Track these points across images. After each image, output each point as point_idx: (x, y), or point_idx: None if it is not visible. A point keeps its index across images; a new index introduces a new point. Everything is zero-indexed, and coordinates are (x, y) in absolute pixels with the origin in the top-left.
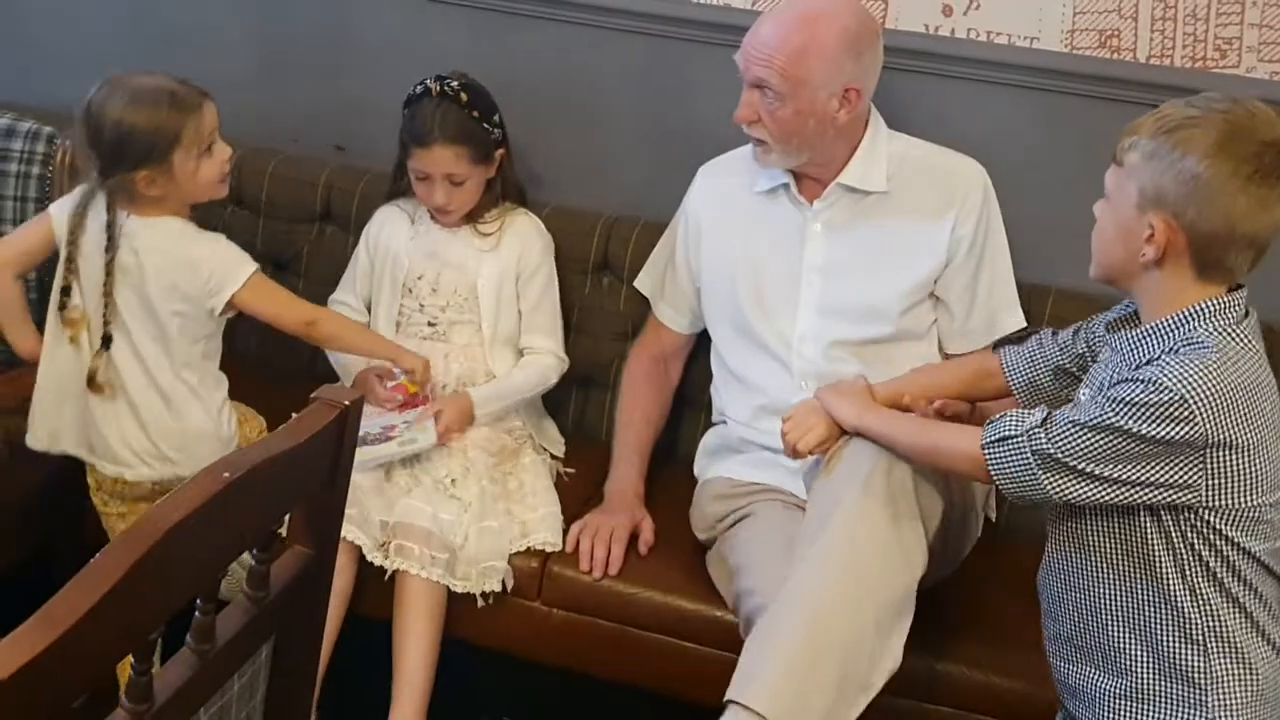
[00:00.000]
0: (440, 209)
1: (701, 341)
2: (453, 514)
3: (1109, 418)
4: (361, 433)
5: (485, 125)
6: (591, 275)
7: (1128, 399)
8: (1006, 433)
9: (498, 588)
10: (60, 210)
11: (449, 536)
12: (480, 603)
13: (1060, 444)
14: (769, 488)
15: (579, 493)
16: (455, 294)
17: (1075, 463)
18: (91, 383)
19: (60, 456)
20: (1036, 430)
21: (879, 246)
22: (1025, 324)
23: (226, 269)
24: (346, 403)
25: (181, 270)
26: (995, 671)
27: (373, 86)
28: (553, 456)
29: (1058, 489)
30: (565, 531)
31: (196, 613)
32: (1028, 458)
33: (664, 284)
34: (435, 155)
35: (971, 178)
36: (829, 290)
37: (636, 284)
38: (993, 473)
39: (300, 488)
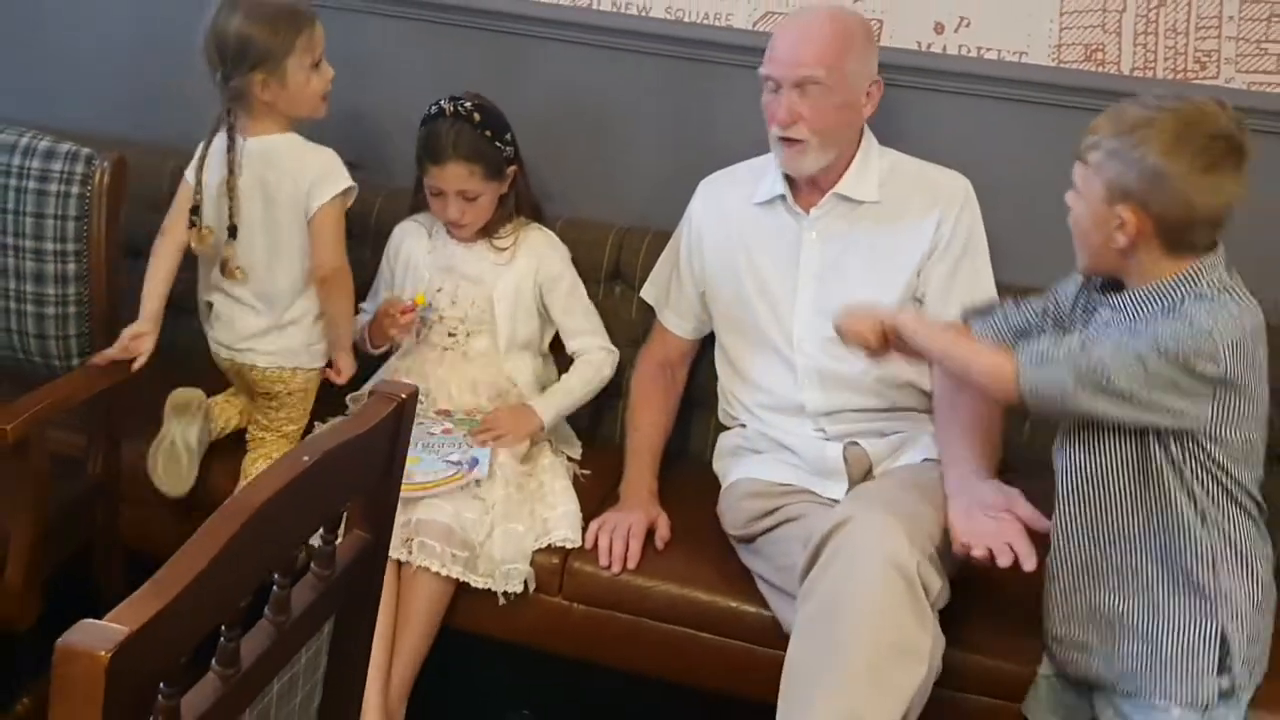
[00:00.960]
0: (454, 223)
1: (706, 346)
2: (475, 513)
3: (1154, 346)
4: (415, 473)
5: (497, 144)
6: (604, 284)
7: (1172, 333)
8: (1044, 352)
9: (520, 588)
10: (190, 170)
11: (470, 534)
12: (502, 600)
13: (1101, 365)
14: (799, 489)
15: (596, 493)
16: (473, 305)
17: (1111, 383)
18: (224, 268)
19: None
20: (1078, 352)
21: (871, 251)
22: None
23: (330, 175)
24: (404, 395)
25: (296, 172)
26: (994, 654)
27: (391, 105)
28: (569, 459)
29: (1086, 404)
30: (584, 529)
31: (274, 587)
32: (1065, 376)
33: (669, 292)
34: (449, 172)
35: (955, 185)
36: (824, 293)
37: (643, 294)
38: (1025, 387)
39: (362, 475)
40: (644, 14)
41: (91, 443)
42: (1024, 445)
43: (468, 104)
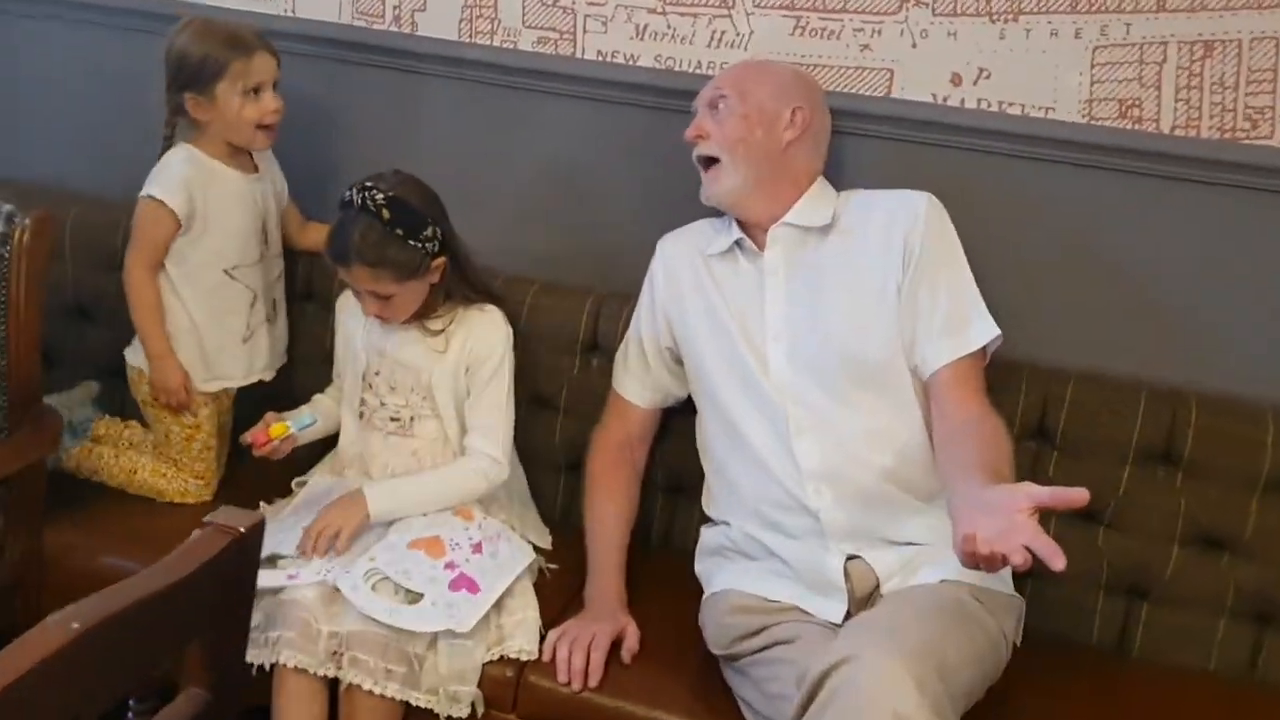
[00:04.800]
0: (375, 316)
1: (683, 424)
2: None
3: None
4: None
5: (412, 243)
6: (580, 356)
7: None
8: None
9: (465, 714)
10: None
11: (408, 646)
12: None
13: None
14: (792, 607)
15: (561, 591)
16: (413, 392)
17: None
18: None
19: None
20: None
21: (838, 278)
22: (997, 332)
23: (155, 172)
24: (243, 529)
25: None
26: None
27: (360, 155)
28: (536, 549)
29: None
30: (543, 638)
31: None
32: None
33: (627, 356)
34: (354, 274)
35: (915, 196)
36: (797, 330)
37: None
38: None
39: (189, 624)
40: (631, 63)
41: (10, 526)
42: None
43: (379, 195)
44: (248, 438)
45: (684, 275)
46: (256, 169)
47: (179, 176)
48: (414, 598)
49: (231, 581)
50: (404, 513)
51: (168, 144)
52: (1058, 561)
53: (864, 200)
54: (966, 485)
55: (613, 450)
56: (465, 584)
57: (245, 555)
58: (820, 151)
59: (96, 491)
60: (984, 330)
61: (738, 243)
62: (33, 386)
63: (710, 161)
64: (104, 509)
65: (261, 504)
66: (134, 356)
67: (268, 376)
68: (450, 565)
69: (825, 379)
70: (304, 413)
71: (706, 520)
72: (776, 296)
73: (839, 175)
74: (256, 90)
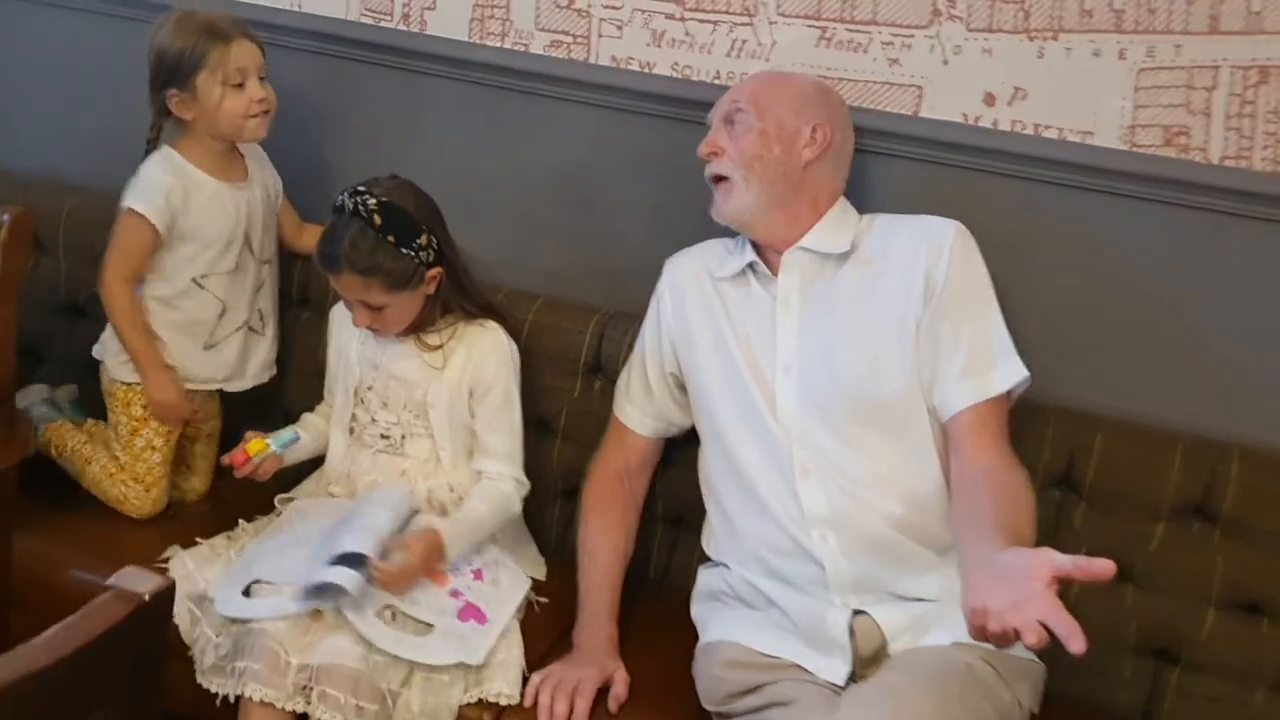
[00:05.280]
0: (367, 329)
1: (686, 453)
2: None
3: None
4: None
5: (404, 250)
6: (582, 377)
7: None
8: None
9: None
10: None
11: (381, 681)
12: None
13: None
14: (791, 665)
15: (549, 628)
16: (406, 409)
17: None
18: None
19: None
20: None
21: (854, 309)
22: (1025, 375)
23: (128, 191)
24: (148, 595)
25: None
26: None
27: (362, 157)
28: (531, 579)
29: None
30: (526, 681)
31: None
32: None
33: (629, 381)
34: (344, 282)
35: (943, 224)
36: (809, 362)
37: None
38: None
39: (87, 698)
40: (647, 71)
41: None
42: None
43: (371, 200)
44: (227, 459)
45: (691, 298)
46: (246, 174)
47: (159, 187)
48: (421, 628)
49: (136, 651)
50: (471, 542)
51: (151, 147)
52: (1076, 643)
53: (888, 226)
54: (980, 546)
55: (610, 479)
56: (473, 614)
57: (151, 623)
58: (842, 171)
59: (70, 484)
60: (1010, 373)
61: (750, 266)
62: (3, 391)
63: (723, 178)
64: (76, 508)
65: (241, 522)
66: (100, 349)
67: (230, 387)
68: (455, 593)
69: (835, 417)
70: (286, 430)
71: (706, 559)
72: (789, 326)
73: (861, 197)
74: (240, 82)
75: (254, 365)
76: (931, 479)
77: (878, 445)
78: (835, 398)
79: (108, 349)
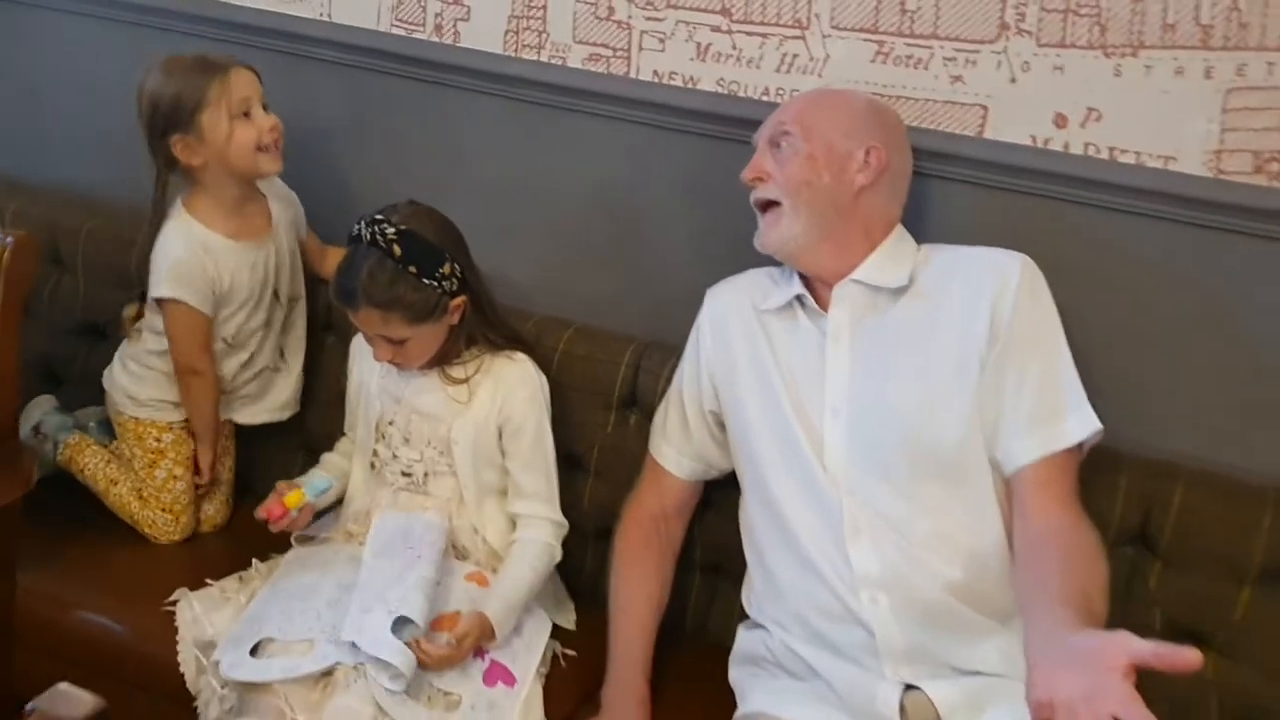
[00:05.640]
0: (390, 363)
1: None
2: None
3: None
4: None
5: (426, 281)
6: (616, 412)
7: None
8: None
9: None
10: None
11: None
12: None
13: None
14: None
15: (577, 685)
16: (429, 446)
17: None
18: (122, 324)
19: None
20: None
21: (911, 348)
22: (1097, 427)
23: (156, 279)
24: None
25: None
26: None
27: (389, 173)
28: (558, 627)
29: None
30: None
31: None
32: None
33: (665, 419)
34: (363, 317)
35: (1009, 259)
36: (859, 406)
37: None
38: None
39: None
40: (690, 86)
41: None
42: None
43: (390, 229)
44: (261, 513)
45: (734, 331)
46: (269, 220)
47: (191, 268)
48: (450, 702)
49: None
50: (519, 613)
51: (158, 208)
52: None
53: (948, 258)
54: (1047, 623)
55: (645, 524)
56: (500, 674)
57: None
58: (899, 197)
59: (78, 514)
60: (1081, 424)
61: (798, 298)
62: (7, 424)
63: (770, 204)
64: (83, 538)
65: (254, 562)
66: (109, 380)
67: (240, 418)
68: (480, 651)
69: (888, 466)
70: (317, 476)
71: (745, 616)
72: (839, 365)
73: (919, 224)
74: (246, 112)
75: (269, 403)
76: (993, 538)
77: (934, 498)
78: (887, 444)
79: (117, 384)
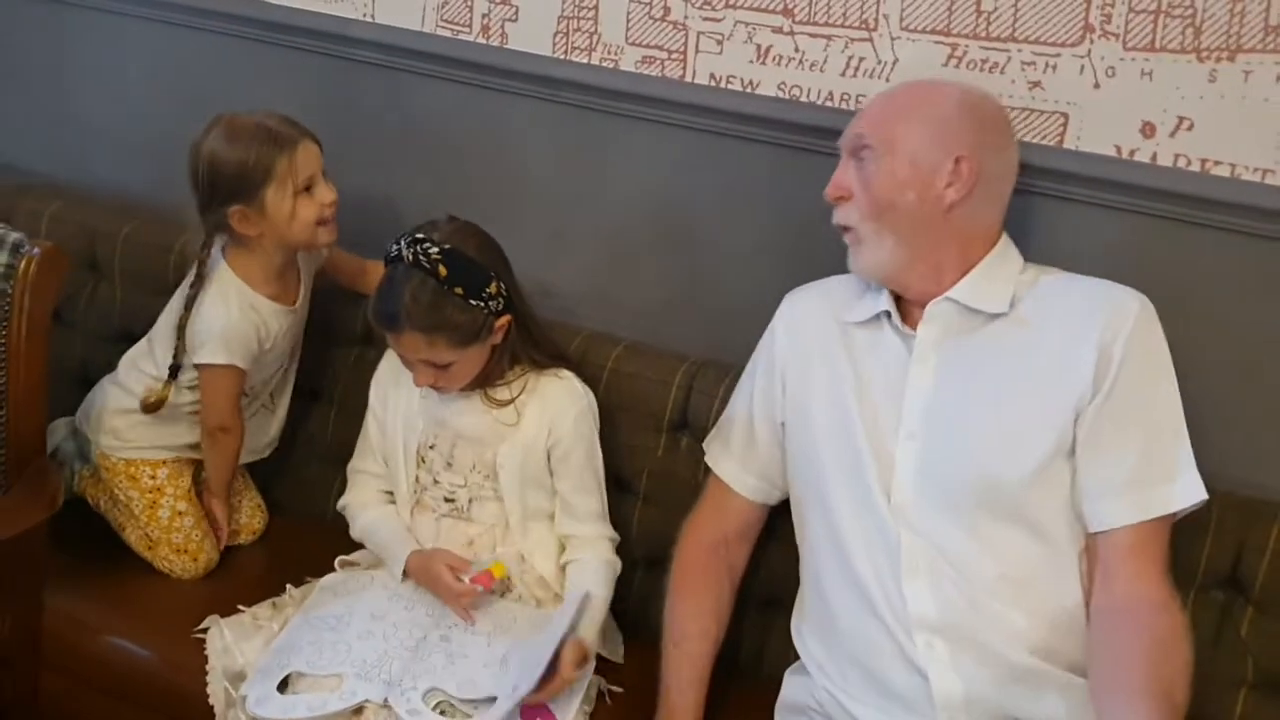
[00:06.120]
0: (430, 387)
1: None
2: None
3: None
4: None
5: (473, 302)
6: (666, 434)
7: None
8: None
9: None
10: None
11: None
12: None
13: None
14: None
15: None
16: (474, 470)
17: None
18: (147, 406)
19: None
20: None
21: (1003, 383)
22: (1203, 496)
23: (201, 342)
24: None
25: (201, 312)
26: None
27: (432, 181)
28: (600, 660)
29: None
30: None
31: None
32: None
33: (731, 434)
34: (406, 341)
35: (1126, 299)
36: (933, 438)
37: (706, 445)
38: None
39: None
40: (750, 90)
41: (5, 596)
42: None
43: (434, 249)
44: (474, 583)
45: (812, 338)
46: (299, 281)
47: (245, 332)
48: None
49: None
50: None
51: (201, 266)
52: None
53: (1057, 285)
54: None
55: (705, 550)
56: (538, 713)
57: None
58: (999, 202)
59: (105, 534)
60: (1185, 490)
61: (885, 314)
62: (35, 441)
63: (849, 229)
64: (113, 557)
65: (288, 588)
66: (90, 425)
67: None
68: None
69: (958, 502)
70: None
71: (794, 657)
72: (920, 386)
73: None
74: (308, 187)
75: (254, 444)
76: (1070, 593)
77: (1005, 542)
78: (959, 477)
79: (103, 425)
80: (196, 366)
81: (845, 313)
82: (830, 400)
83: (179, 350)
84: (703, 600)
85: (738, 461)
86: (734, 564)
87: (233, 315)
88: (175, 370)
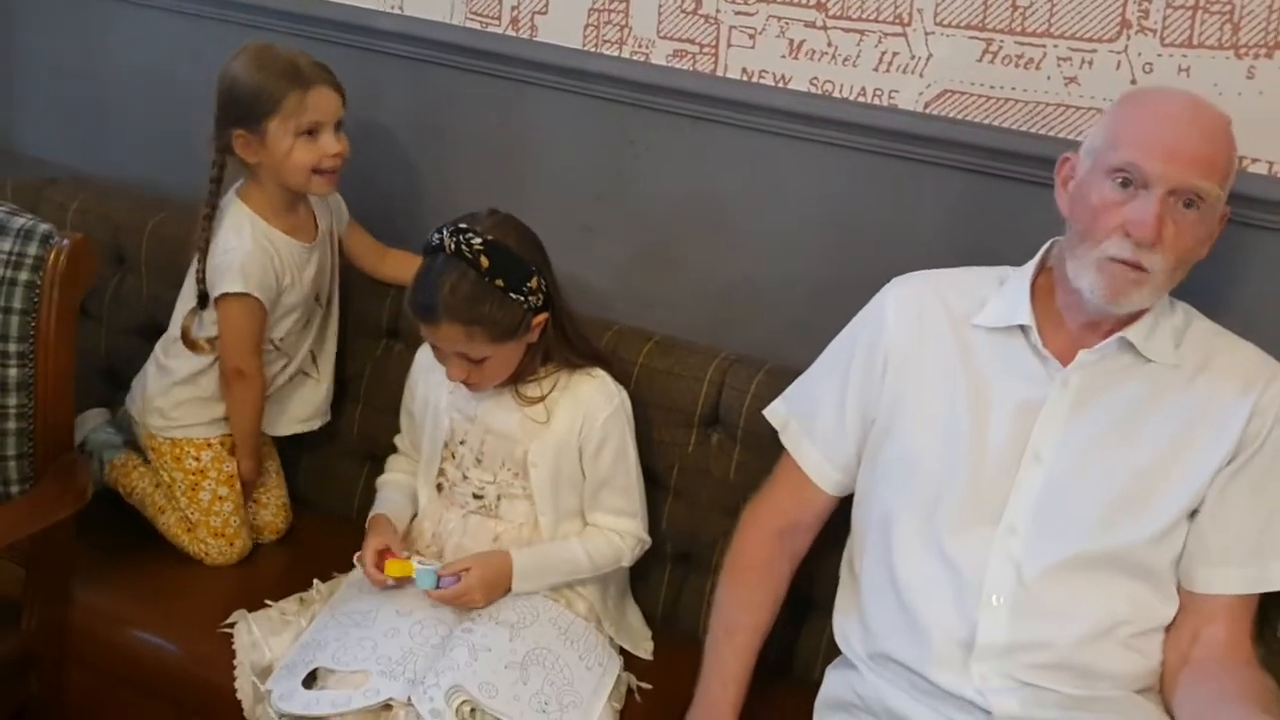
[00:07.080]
0: (462, 383)
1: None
2: None
3: None
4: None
5: (513, 296)
6: (698, 430)
7: None
8: None
9: None
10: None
11: None
12: None
13: None
14: None
15: None
16: (504, 468)
17: None
18: (185, 338)
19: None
20: None
21: (1143, 436)
22: None
23: (220, 274)
24: None
25: (216, 245)
26: None
27: (461, 174)
28: (629, 658)
29: None
30: None
31: None
32: None
33: (815, 415)
34: (443, 333)
35: (1276, 366)
36: (1053, 481)
37: (768, 413)
38: None
39: None
40: (782, 85)
41: (30, 592)
42: None
43: (476, 240)
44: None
45: (928, 330)
46: (315, 223)
47: (257, 260)
48: None
49: None
50: (548, 580)
51: (214, 189)
52: None
53: (1211, 337)
54: None
55: (770, 540)
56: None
57: None
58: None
59: (133, 527)
60: None
61: (1022, 328)
62: (63, 434)
63: (1136, 266)
64: (140, 551)
65: (315, 582)
66: (135, 404)
67: (274, 431)
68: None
69: (1070, 537)
70: (433, 563)
71: (835, 653)
72: (1058, 408)
73: (1022, 235)
74: (313, 131)
75: (300, 410)
76: (1153, 643)
77: (1106, 584)
78: (1082, 512)
79: (149, 405)
80: (216, 303)
81: (970, 313)
82: (939, 400)
83: (201, 278)
84: (762, 591)
85: (823, 453)
86: (797, 552)
87: (246, 244)
88: (204, 299)
